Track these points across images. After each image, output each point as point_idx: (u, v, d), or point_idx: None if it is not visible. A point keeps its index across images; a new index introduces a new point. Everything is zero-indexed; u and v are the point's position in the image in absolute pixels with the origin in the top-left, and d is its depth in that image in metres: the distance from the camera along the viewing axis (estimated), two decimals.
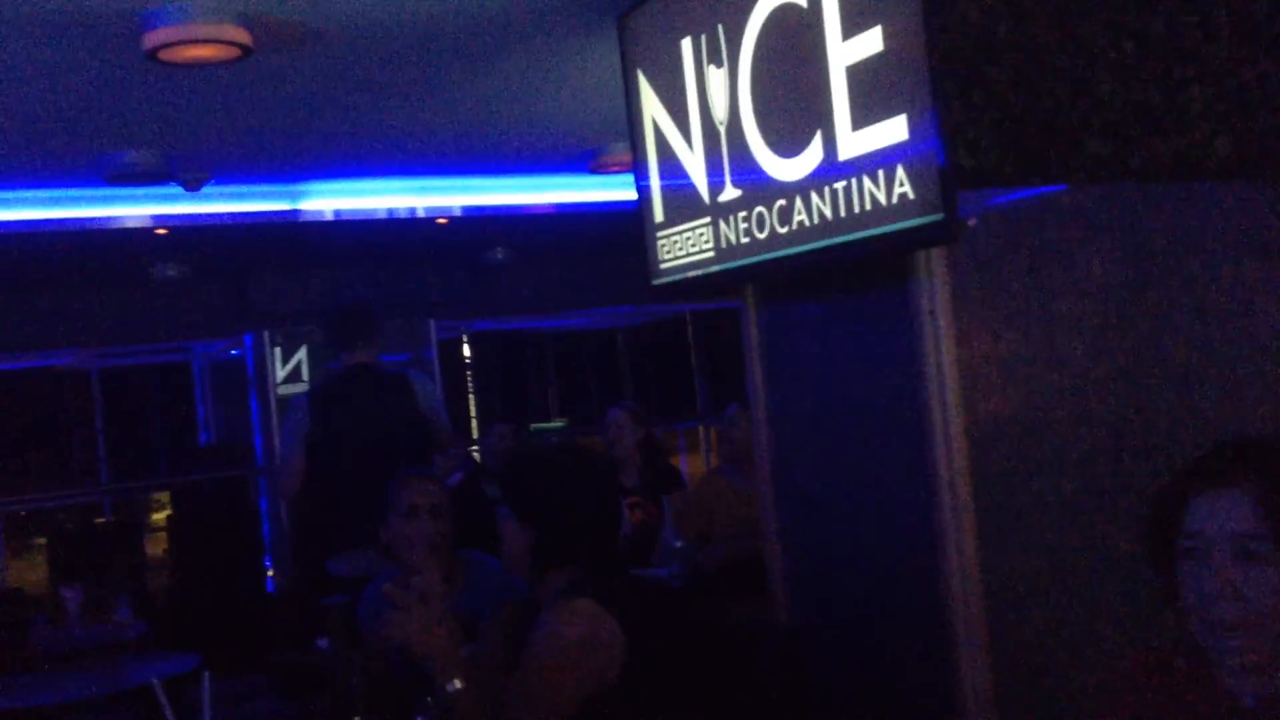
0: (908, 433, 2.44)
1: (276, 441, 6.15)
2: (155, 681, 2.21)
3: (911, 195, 2.21)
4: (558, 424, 11.28)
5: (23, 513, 8.36)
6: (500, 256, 7.73)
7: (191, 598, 6.91)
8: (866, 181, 2.32)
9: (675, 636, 2.35)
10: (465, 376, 9.77)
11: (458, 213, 6.17)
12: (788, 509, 2.91)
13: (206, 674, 2.11)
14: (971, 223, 2.38)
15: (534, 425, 10.41)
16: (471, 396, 9.77)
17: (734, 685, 2.67)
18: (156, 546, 8.12)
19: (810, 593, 2.86)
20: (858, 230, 2.35)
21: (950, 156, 2.18)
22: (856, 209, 2.35)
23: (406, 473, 3.10)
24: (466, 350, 9.46)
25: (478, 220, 6.34)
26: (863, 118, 2.32)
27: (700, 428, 10.76)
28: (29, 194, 5.22)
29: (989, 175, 2.40)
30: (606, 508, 2.41)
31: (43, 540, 7.70)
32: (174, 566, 7.41)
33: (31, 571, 8.06)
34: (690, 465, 9.84)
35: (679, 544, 4.59)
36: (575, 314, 9.43)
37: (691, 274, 2.94)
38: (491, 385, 9.75)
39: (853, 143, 2.36)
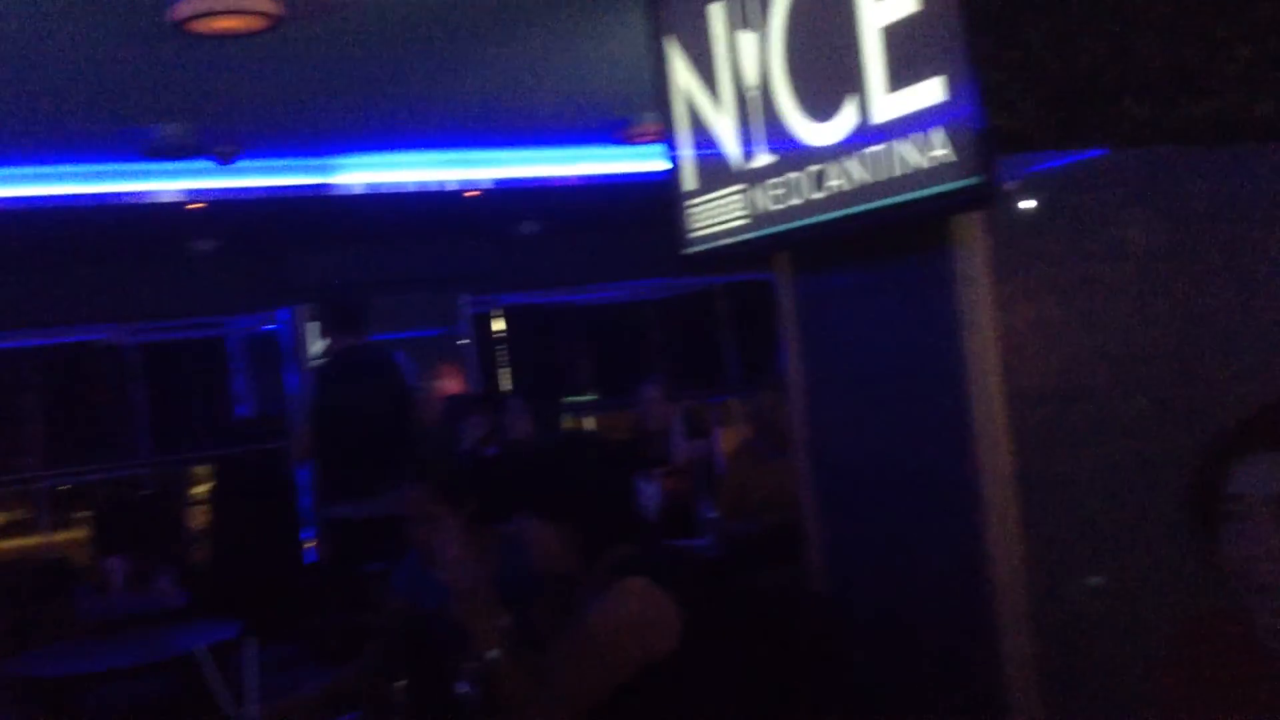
0: (947, 401, 2.42)
1: None
2: (200, 648, 2.24)
3: (948, 158, 2.18)
4: (589, 397, 11.29)
5: (65, 487, 8.48)
6: (530, 229, 7.72)
7: (232, 568, 6.98)
8: (902, 145, 2.29)
9: (720, 606, 2.35)
10: (497, 351, 9.79)
11: (488, 185, 6.17)
12: (824, 478, 2.90)
13: (252, 639, 2.13)
14: (1010, 186, 2.35)
15: (567, 399, 10.44)
16: (503, 370, 9.78)
17: (771, 654, 2.67)
18: (197, 519, 8.21)
19: (847, 561, 2.85)
20: (893, 195, 2.33)
21: (988, 119, 2.15)
22: (892, 173, 2.33)
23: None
24: (497, 324, 9.47)
25: (508, 193, 6.33)
26: (898, 80, 2.29)
27: (732, 401, 10.72)
28: (65, 169, 5.26)
29: (1027, 138, 2.37)
30: (625, 484, 2.42)
31: (85, 514, 7.80)
32: (214, 538, 7.49)
33: (74, 545, 8.18)
34: (722, 439, 9.81)
35: (713, 515, 4.59)
36: (606, 287, 9.42)
37: (723, 242, 2.92)
38: (524, 359, 9.76)
39: (888, 105, 2.33)
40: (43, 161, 5.16)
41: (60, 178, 5.33)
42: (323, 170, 5.76)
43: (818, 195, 2.54)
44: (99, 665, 4.24)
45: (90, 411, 8.79)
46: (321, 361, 5.66)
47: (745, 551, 4.31)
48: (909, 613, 2.64)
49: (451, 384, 8.00)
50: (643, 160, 5.96)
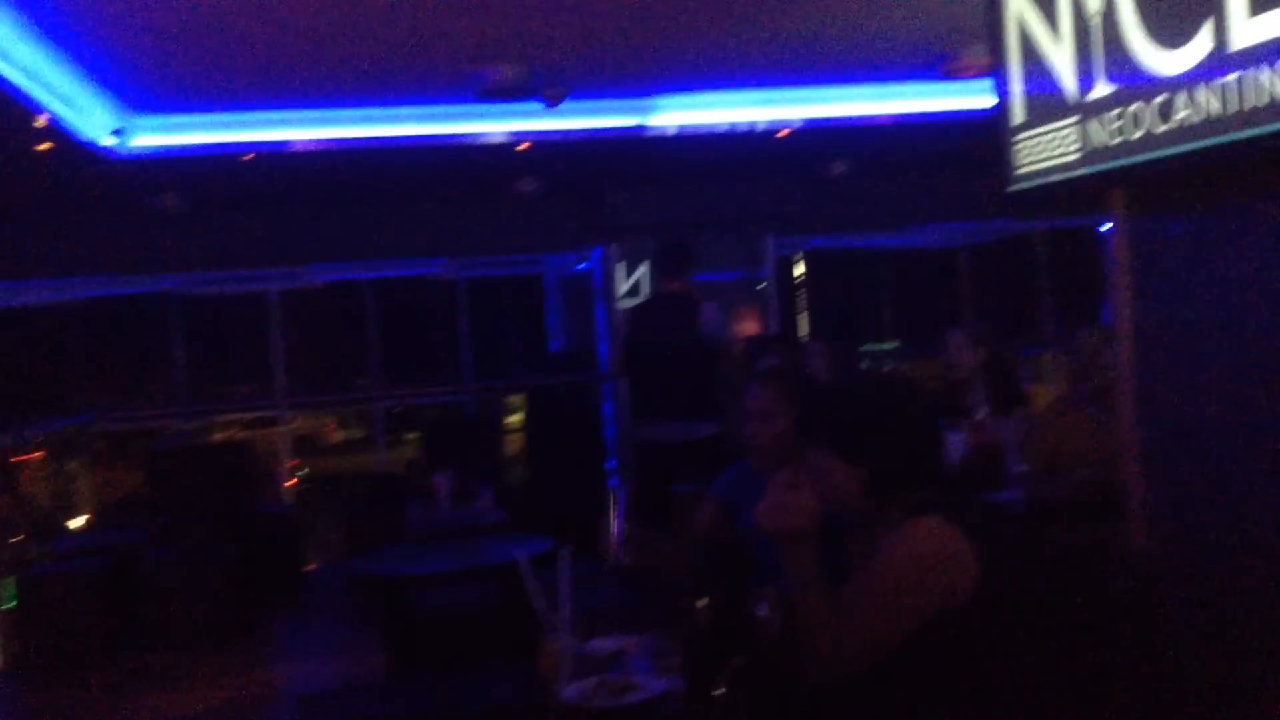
0: None
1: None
2: (519, 557, 2.39)
3: None
4: (890, 345, 11.08)
5: (398, 409, 9.22)
6: (840, 170, 7.61)
7: (544, 490, 7.40)
8: (1263, 73, 2.09)
9: (1023, 558, 2.26)
10: (799, 294, 9.77)
11: (798, 125, 6.12)
12: (1153, 435, 2.73)
13: (566, 552, 2.26)
14: None
15: (866, 345, 10.29)
16: (803, 314, 9.76)
17: (1081, 608, 2.56)
18: (512, 445, 8.74)
19: (1170, 519, 2.68)
20: (1250, 127, 2.13)
21: None
22: (1249, 104, 2.13)
23: (750, 378, 3.11)
24: (800, 267, 9.44)
25: (818, 132, 6.27)
26: (1261, 2, 2.09)
27: (1047, 355, 10.19)
28: (404, 110, 5.66)
29: None
30: (932, 431, 2.35)
31: (415, 434, 8.46)
32: (528, 461, 7.94)
33: (405, 461, 8.90)
34: (1035, 394, 9.38)
35: (1021, 469, 4.41)
36: (915, 231, 9.17)
37: (1052, 179, 2.77)
38: (824, 304, 9.69)
39: (1248, 30, 2.13)
40: (384, 104, 5.57)
41: (399, 119, 5.74)
42: (640, 111, 5.90)
43: (1162, 128, 2.36)
44: (426, 569, 4.63)
45: (421, 340, 9.49)
46: (642, 299, 6.29)
47: (1054, 509, 4.13)
48: (1238, 583, 2.45)
49: (750, 326, 8.07)
50: (961, 96, 5.74)
